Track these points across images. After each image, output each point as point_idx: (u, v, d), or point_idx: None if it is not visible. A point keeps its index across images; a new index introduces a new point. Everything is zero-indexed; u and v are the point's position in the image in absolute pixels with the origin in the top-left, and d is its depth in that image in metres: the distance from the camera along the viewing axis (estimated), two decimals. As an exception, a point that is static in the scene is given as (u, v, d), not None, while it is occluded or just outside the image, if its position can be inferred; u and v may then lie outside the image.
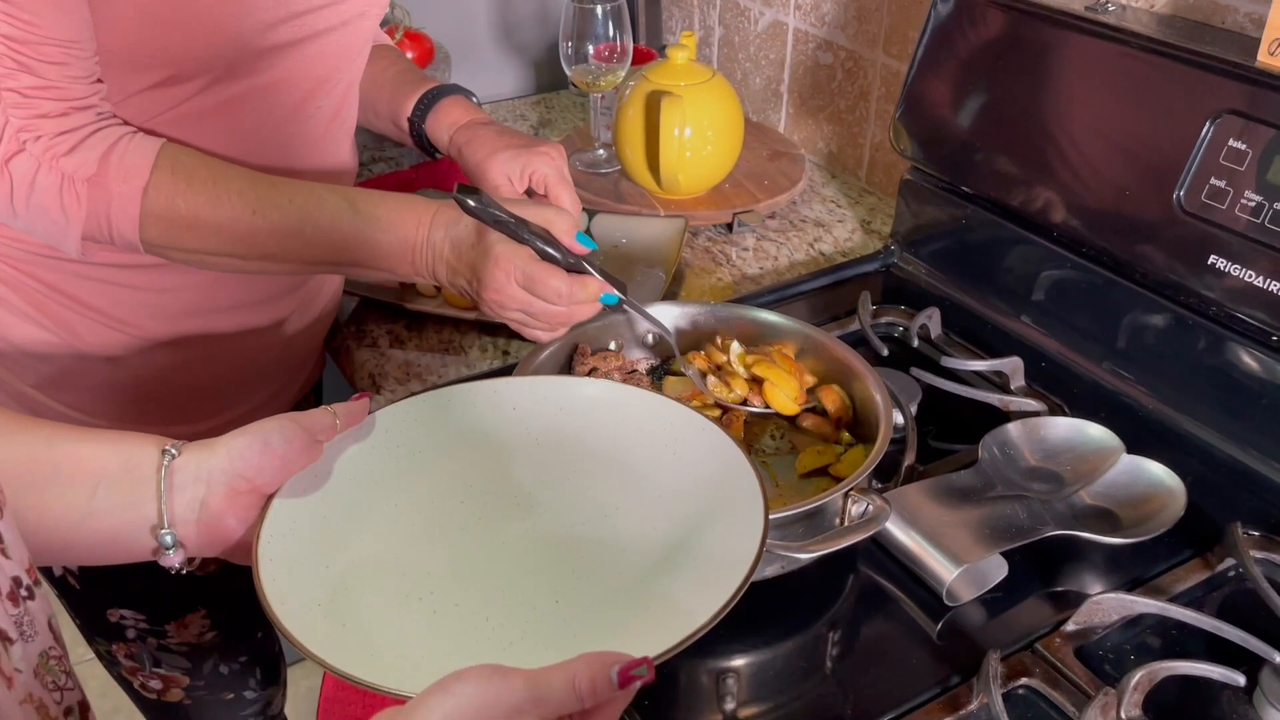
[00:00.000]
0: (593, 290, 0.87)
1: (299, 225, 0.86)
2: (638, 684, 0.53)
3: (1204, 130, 0.90)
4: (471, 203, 0.82)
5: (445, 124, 1.08)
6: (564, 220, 0.87)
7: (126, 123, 0.84)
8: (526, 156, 1.03)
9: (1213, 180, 0.89)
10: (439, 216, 0.88)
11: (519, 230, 0.84)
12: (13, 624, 0.46)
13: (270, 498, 0.67)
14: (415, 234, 0.88)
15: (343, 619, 0.61)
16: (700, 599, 0.60)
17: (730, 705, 0.75)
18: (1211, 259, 0.90)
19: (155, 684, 1.15)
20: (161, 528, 0.63)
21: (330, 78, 0.95)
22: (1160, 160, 0.94)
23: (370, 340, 1.14)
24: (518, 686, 0.50)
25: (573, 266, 0.87)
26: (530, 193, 1.05)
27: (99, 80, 0.81)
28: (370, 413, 0.75)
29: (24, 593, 0.47)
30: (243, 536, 0.66)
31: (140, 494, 0.62)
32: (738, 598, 0.60)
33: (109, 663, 1.15)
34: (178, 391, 1.00)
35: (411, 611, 0.63)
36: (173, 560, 0.64)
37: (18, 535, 0.48)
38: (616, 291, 0.89)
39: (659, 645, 0.56)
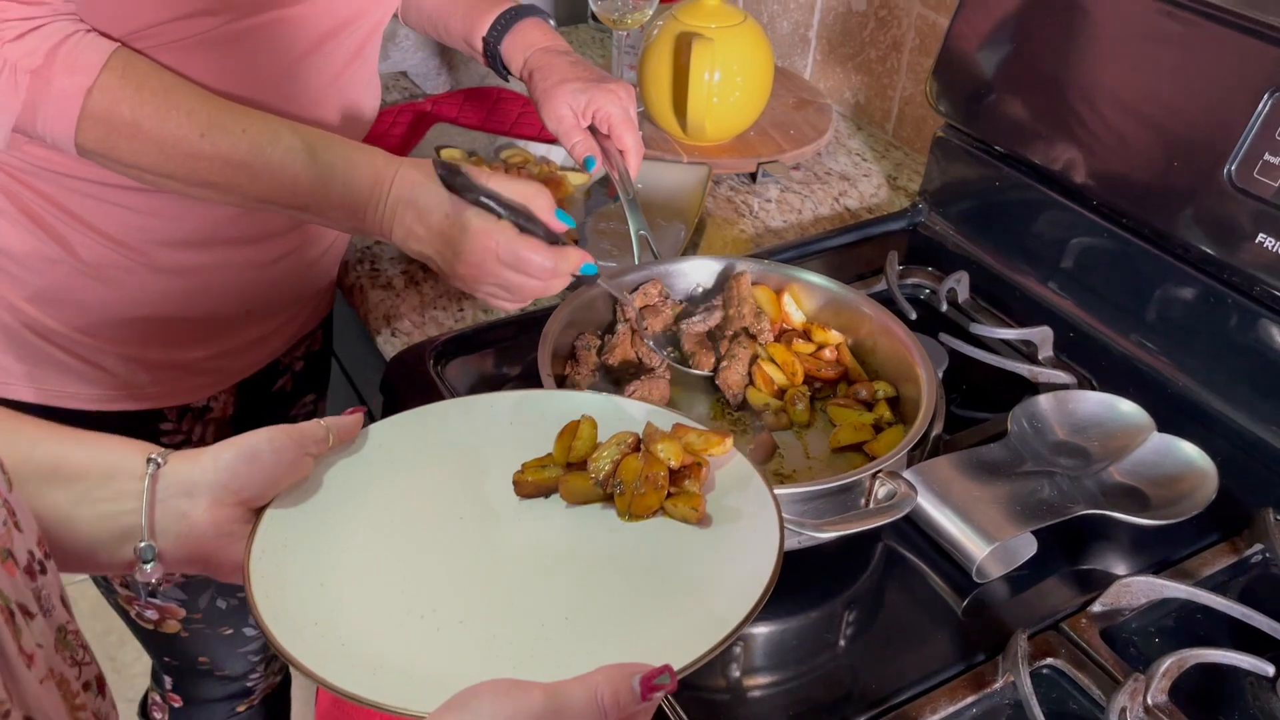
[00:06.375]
0: (574, 261, 0.85)
1: (248, 158, 0.81)
2: (660, 694, 0.51)
3: (1261, 103, 0.87)
4: (451, 179, 0.80)
5: (521, 46, 1.06)
6: (543, 197, 0.85)
7: (103, 33, 0.80)
8: (594, 92, 1.01)
9: (1267, 156, 0.87)
10: (402, 178, 0.84)
11: (498, 206, 0.82)
12: (32, 597, 0.43)
13: (261, 511, 0.64)
14: (371, 193, 0.84)
15: (342, 639, 0.58)
16: (714, 612, 0.58)
17: (737, 672, 0.74)
18: (1260, 237, 0.87)
19: (151, 614, 1.14)
20: (141, 540, 0.59)
21: (355, 20, 0.91)
22: (1212, 132, 0.91)
23: (384, 281, 1.11)
24: (537, 699, 0.48)
25: (552, 241, 0.85)
26: (593, 130, 1.03)
27: None
28: (363, 427, 0.72)
29: (37, 566, 0.45)
30: (226, 552, 0.63)
31: (121, 504, 0.59)
32: (758, 610, 0.58)
33: (106, 590, 1.14)
34: (178, 318, 0.98)
35: (414, 630, 0.60)
36: (149, 576, 0.60)
37: (27, 509, 0.46)
38: (596, 262, 0.87)
39: (678, 660, 0.54)
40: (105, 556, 0.60)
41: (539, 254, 0.83)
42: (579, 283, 0.88)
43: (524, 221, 0.83)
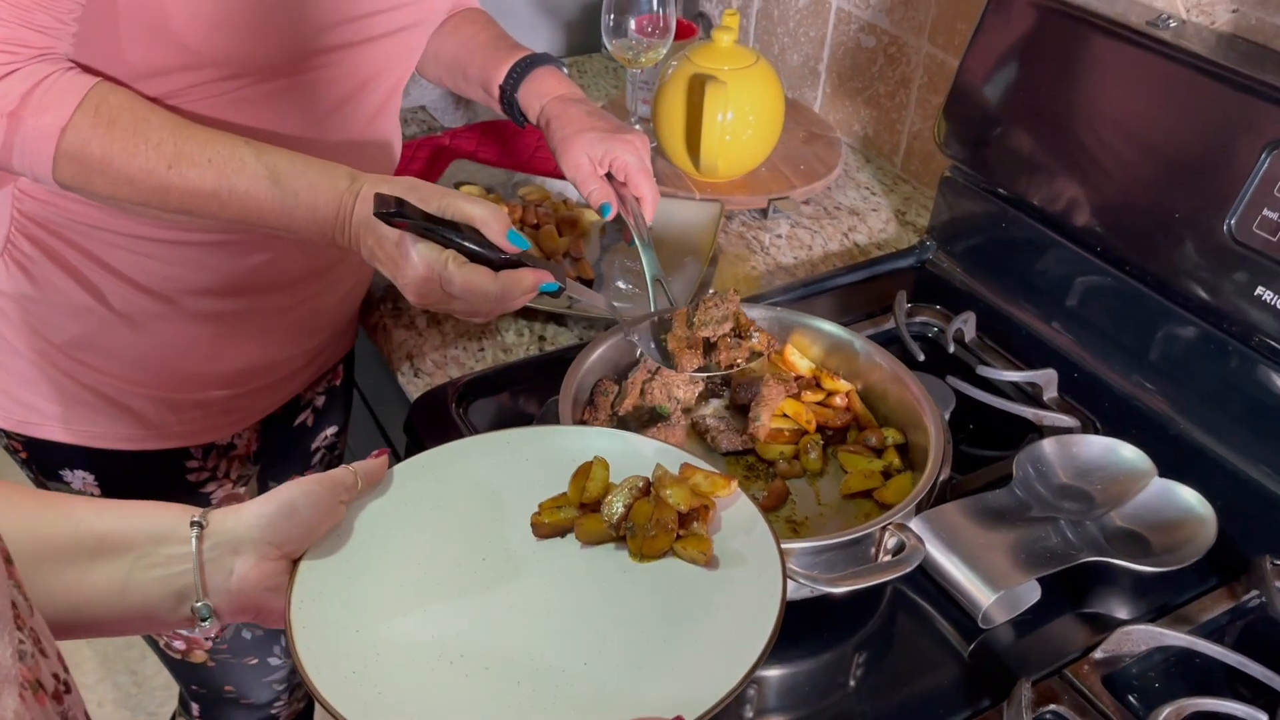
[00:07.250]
0: (527, 283, 0.86)
1: (214, 188, 0.83)
2: None
3: (1260, 160, 0.89)
4: (397, 213, 0.80)
5: (537, 94, 1.08)
6: (496, 221, 0.85)
7: (84, 68, 0.82)
8: (610, 141, 1.04)
9: (1266, 211, 0.89)
10: (363, 199, 0.85)
11: (446, 235, 0.82)
12: None
13: (297, 561, 0.67)
14: (335, 217, 0.85)
15: (378, 687, 0.61)
16: (723, 658, 0.61)
17: (750, 713, 0.77)
18: (1259, 290, 0.90)
19: (179, 644, 1.16)
20: (197, 600, 0.62)
21: (377, 77, 0.95)
22: (1213, 186, 0.93)
23: (407, 320, 1.14)
24: None
25: (507, 261, 0.85)
26: (610, 177, 1.06)
27: (70, 34, 0.80)
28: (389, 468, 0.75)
29: (62, 687, 0.46)
30: (273, 602, 0.66)
31: (172, 567, 0.62)
32: (767, 654, 0.61)
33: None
34: (204, 361, 1.01)
35: (444, 677, 0.63)
36: (208, 632, 0.63)
37: (48, 631, 0.46)
38: (556, 280, 0.87)
39: (695, 706, 0.57)
40: (165, 616, 0.63)
41: (483, 282, 0.84)
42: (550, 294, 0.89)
43: (475, 246, 0.83)
